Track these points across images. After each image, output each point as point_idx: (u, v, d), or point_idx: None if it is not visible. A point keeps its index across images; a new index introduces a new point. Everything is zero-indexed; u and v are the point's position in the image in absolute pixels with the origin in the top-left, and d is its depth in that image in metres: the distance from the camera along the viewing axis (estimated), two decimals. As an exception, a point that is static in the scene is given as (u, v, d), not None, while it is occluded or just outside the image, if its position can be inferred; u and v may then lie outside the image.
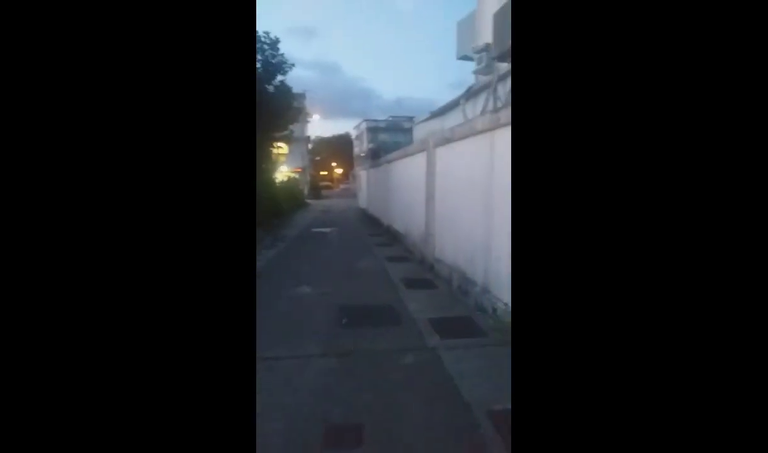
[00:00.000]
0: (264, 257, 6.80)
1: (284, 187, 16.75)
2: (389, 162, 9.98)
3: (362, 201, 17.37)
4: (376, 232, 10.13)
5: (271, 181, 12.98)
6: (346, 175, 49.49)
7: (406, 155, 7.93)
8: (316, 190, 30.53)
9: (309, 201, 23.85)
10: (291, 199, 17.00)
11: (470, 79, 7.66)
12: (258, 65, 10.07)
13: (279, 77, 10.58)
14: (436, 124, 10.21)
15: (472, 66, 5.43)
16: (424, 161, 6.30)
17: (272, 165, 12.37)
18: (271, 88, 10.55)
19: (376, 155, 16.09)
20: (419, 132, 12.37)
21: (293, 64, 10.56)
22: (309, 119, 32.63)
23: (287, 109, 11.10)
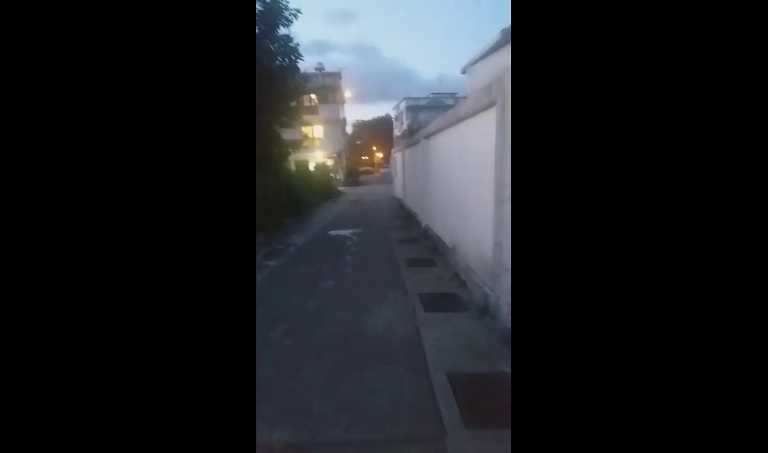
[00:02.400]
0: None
1: (308, 177, 14.48)
2: (428, 136, 7.09)
3: (397, 189, 14.56)
4: (409, 237, 7.37)
5: (286, 172, 10.65)
6: (386, 159, 47.51)
7: (455, 122, 5.00)
8: (353, 176, 28.38)
9: (343, 189, 21.56)
10: (317, 190, 14.70)
11: None
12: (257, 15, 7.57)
13: (281, 30, 8.01)
14: (498, 62, 7.06)
15: None
16: (491, 125, 3.39)
17: (283, 150, 9.95)
18: (273, 47, 8.03)
19: (413, 132, 13.18)
20: (475, 79, 9.04)
21: (298, 10, 7.92)
22: (344, 100, 30.36)
23: (292, 74, 8.48)
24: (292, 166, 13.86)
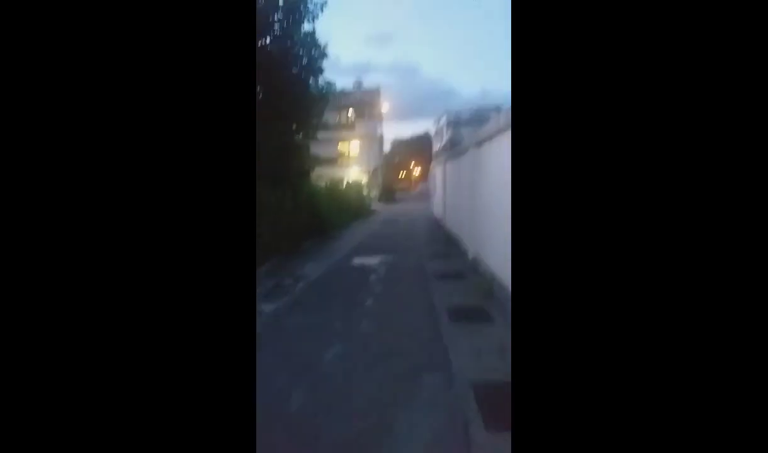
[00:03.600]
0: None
1: (338, 195, 13.28)
2: (480, 143, 5.49)
3: (436, 208, 12.91)
4: (451, 272, 5.70)
5: (309, 189, 9.46)
6: (424, 175, 46.60)
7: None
8: (389, 193, 27.17)
9: (377, 207, 20.26)
10: (347, 208, 13.44)
11: None
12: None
13: (305, 27, 6.90)
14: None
15: None
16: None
17: (305, 164, 8.75)
18: (293, 47, 6.91)
19: (455, 144, 11.58)
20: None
21: (325, 1, 6.78)
22: (383, 117, 29.70)
23: (314, 76, 7.29)
24: (321, 182, 12.81)
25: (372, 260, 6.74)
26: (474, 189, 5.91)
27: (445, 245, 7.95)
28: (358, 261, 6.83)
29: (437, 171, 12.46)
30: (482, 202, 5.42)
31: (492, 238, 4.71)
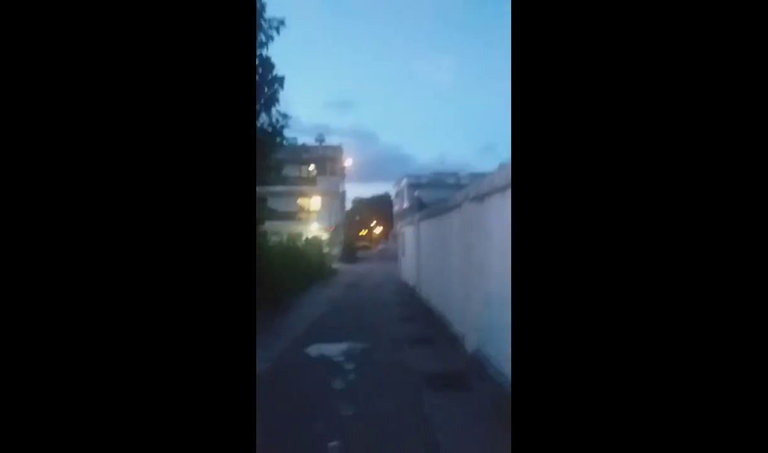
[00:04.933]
0: None
1: (294, 254, 11.50)
2: (480, 197, 4.26)
3: (406, 272, 11.49)
4: (449, 374, 4.10)
5: (261, 246, 7.67)
6: (385, 235, 46.24)
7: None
8: (350, 252, 25.70)
9: (338, 267, 18.46)
10: (305, 267, 11.61)
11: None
12: None
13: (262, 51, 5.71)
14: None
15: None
16: None
17: (260, 214, 7.10)
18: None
19: (423, 206, 10.58)
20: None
21: (281, 22, 5.68)
22: (345, 174, 29.20)
23: (267, 117, 5.98)
24: (277, 238, 11.06)
25: (334, 349, 4.98)
26: (469, 254, 4.59)
27: (426, 323, 6.39)
28: (315, 350, 5.02)
29: (407, 231, 11.25)
30: (483, 271, 4.07)
31: (501, 322, 3.28)
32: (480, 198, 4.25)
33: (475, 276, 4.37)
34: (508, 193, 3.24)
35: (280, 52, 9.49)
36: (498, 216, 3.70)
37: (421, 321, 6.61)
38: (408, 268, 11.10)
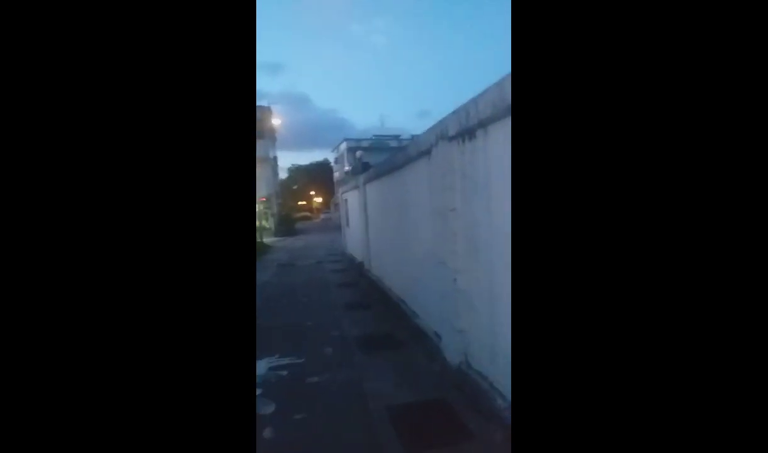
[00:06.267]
0: None
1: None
2: (468, 134, 2.72)
3: (352, 245, 9.91)
4: (430, 403, 2.70)
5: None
6: (326, 204, 43.77)
7: None
8: (288, 224, 23.36)
9: (272, 242, 16.29)
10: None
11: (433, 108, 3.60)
12: None
13: None
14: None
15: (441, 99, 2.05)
16: None
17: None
18: None
19: (368, 167, 8.93)
20: None
21: None
22: (275, 138, 26.23)
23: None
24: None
25: (266, 366, 3.29)
26: (444, 218, 3.12)
27: (383, 314, 4.93)
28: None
29: (351, 197, 9.55)
30: (472, 242, 2.64)
31: (501, 322, 1.92)
32: (468, 133, 2.73)
33: (459, 249, 2.94)
34: (508, 122, 1.82)
35: None
36: (499, 161, 2.24)
37: (377, 309, 5.13)
38: (354, 241, 9.52)
